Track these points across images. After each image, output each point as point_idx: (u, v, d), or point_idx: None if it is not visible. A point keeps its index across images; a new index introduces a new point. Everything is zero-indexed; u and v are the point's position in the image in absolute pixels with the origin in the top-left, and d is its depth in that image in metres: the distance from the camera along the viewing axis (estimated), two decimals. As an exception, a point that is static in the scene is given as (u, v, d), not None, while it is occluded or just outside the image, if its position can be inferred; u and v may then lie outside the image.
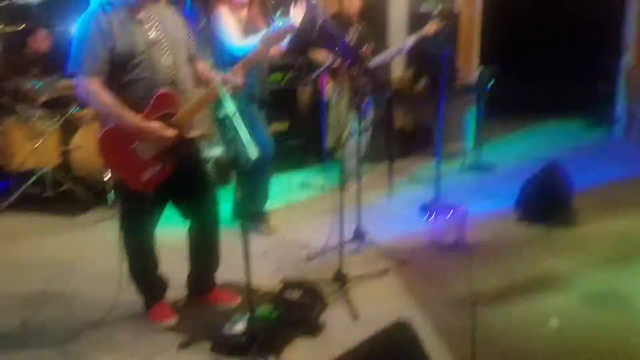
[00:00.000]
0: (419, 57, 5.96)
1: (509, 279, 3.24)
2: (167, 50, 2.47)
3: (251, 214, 3.90)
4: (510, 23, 6.92)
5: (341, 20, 4.54)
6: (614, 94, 6.91)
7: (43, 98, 4.74)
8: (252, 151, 2.14)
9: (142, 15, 2.45)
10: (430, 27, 4.47)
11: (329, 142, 3.26)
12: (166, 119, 2.46)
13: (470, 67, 6.18)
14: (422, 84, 5.91)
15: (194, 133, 2.59)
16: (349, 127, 3.34)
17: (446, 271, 3.37)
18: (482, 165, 5.57)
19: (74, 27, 2.41)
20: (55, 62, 4.97)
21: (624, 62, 6.69)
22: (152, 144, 2.46)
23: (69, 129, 4.81)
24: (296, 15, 2.80)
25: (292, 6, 2.95)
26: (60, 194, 4.73)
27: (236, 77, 2.50)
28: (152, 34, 2.45)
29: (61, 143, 4.75)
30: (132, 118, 2.38)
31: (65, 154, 4.75)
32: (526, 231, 3.96)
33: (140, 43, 2.40)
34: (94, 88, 2.35)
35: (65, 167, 4.79)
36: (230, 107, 2.24)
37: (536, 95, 7.04)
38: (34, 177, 4.63)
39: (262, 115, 3.89)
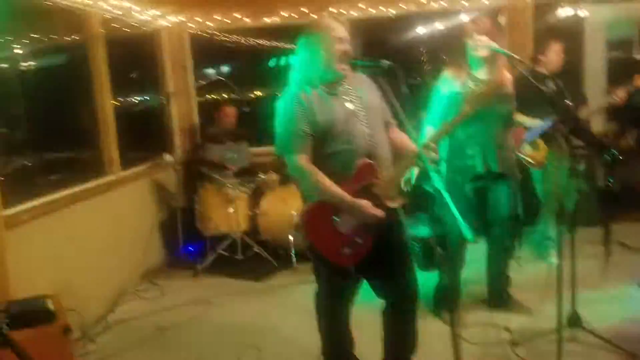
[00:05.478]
0: (623, 109, 5.25)
1: None
2: (364, 119, 2.37)
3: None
4: None
5: (535, 76, 4.14)
6: None
7: (235, 167, 5.01)
8: (466, 232, 1.85)
9: (339, 87, 2.40)
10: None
11: (549, 210, 2.83)
12: (367, 189, 2.33)
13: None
14: (630, 138, 5.16)
15: (394, 203, 2.39)
16: (572, 195, 2.88)
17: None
18: None
19: (276, 109, 2.41)
20: (242, 135, 5.31)
21: None
22: (352, 217, 2.33)
23: (256, 195, 5.01)
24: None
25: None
26: (249, 258, 4.88)
27: (429, 152, 2.27)
28: (349, 105, 2.38)
29: (250, 208, 4.94)
30: (344, 195, 2.29)
31: (253, 218, 4.93)
32: None
33: (339, 115, 2.34)
34: (304, 166, 2.32)
35: (253, 231, 4.96)
36: (437, 181, 2.01)
37: None
38: (227, 241, 4.85)
39: (500, 191, 3.37)
